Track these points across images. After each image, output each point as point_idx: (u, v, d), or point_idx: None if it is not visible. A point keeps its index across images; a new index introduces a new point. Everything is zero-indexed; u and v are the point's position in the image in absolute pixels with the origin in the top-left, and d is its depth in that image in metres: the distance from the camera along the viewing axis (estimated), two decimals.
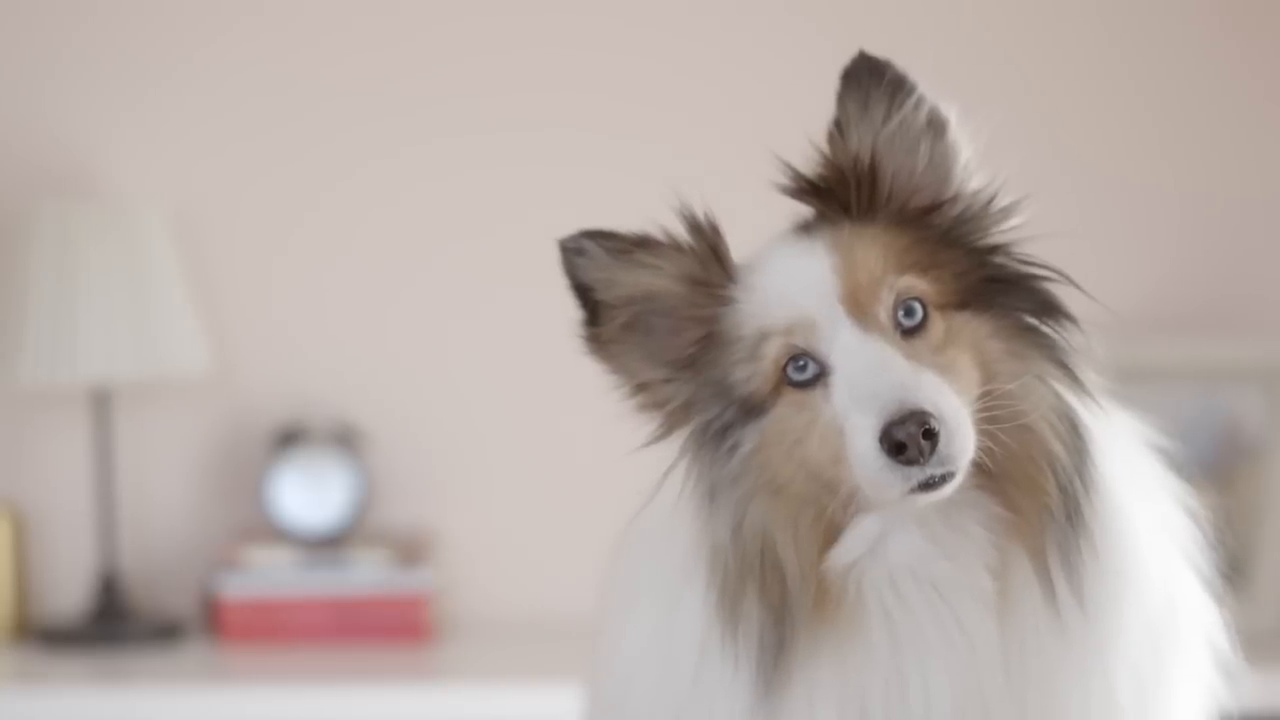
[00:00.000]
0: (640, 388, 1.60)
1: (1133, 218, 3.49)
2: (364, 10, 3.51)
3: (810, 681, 1.54)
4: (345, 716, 3.14)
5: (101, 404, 3.41)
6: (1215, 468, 3.33)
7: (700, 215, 1.58)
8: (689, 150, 3.39)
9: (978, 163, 1.59)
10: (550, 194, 3.43)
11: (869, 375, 1.50)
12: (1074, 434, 1.54)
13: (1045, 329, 1.56)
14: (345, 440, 3.44)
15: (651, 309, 1.58)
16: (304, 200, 3.51)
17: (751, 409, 1.55)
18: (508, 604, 3.50)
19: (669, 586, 1.60)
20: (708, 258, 1.58)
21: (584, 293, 1.59)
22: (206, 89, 3.49)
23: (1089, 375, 1.57)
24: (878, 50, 1.58)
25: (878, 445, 1.47)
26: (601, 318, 1.59)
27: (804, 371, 1.54)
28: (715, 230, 1.58)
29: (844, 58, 1.59)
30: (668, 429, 1.60)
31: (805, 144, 1.58)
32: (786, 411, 1.54)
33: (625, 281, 1.58)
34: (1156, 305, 3.45)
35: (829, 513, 1.54)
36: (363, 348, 3.52)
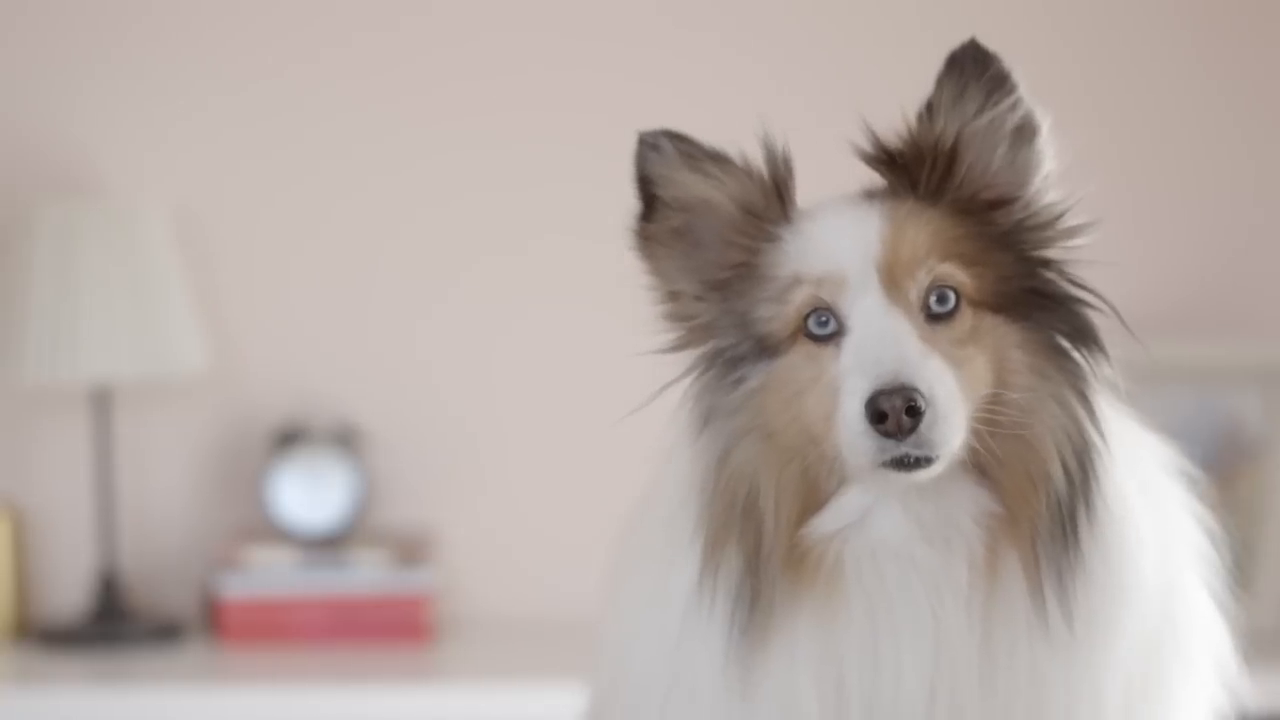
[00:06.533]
0: (672, 295, 1.62)
1: (1132, 218, 3.49)
2: (353, 10, 3.51)
3: (791, 641, 1.55)
4: (345, 716, 3.14)
5: (101, 404, 3.41)
6: (1215, 468, 3.33)
7: (778, 149, 1.59)
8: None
9: (1058, 177, 1.59)
10: (557, 195, 3.43)
11: (877, 342, 1.52)
12: (1080, 463, 1.54)
13: (1075, 354, 1.56)
14: (345, 440, 3.44)
15: (703, 221, 1.60)
16: (304, 200, 3.51)
17: (766, 349, 1.57)
18: (508, 604, 3.50)
19: (668, 538, 1.61)
20: (770, 191, 1.59)
21: (646, 185, 1.60)
22: (206, 88, 3.49)
23: (1109, 405, 1.57)
24: (988, 41, 1.58)
25: (862, 409, 1.49)
26: (656, 215, 1.60)
27: (824, 326, 1.55)
28: (787, 167, 1.59)
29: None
30: (685, 343, 1.61)
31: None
32: (797, 360, 1.56)
33: (686, 184, 1.59)
34: (1156, 305, 3.45)
35: (813, 472, 1.55)
36: (363, 348, 3.52)
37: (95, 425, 3.42)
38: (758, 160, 1.59)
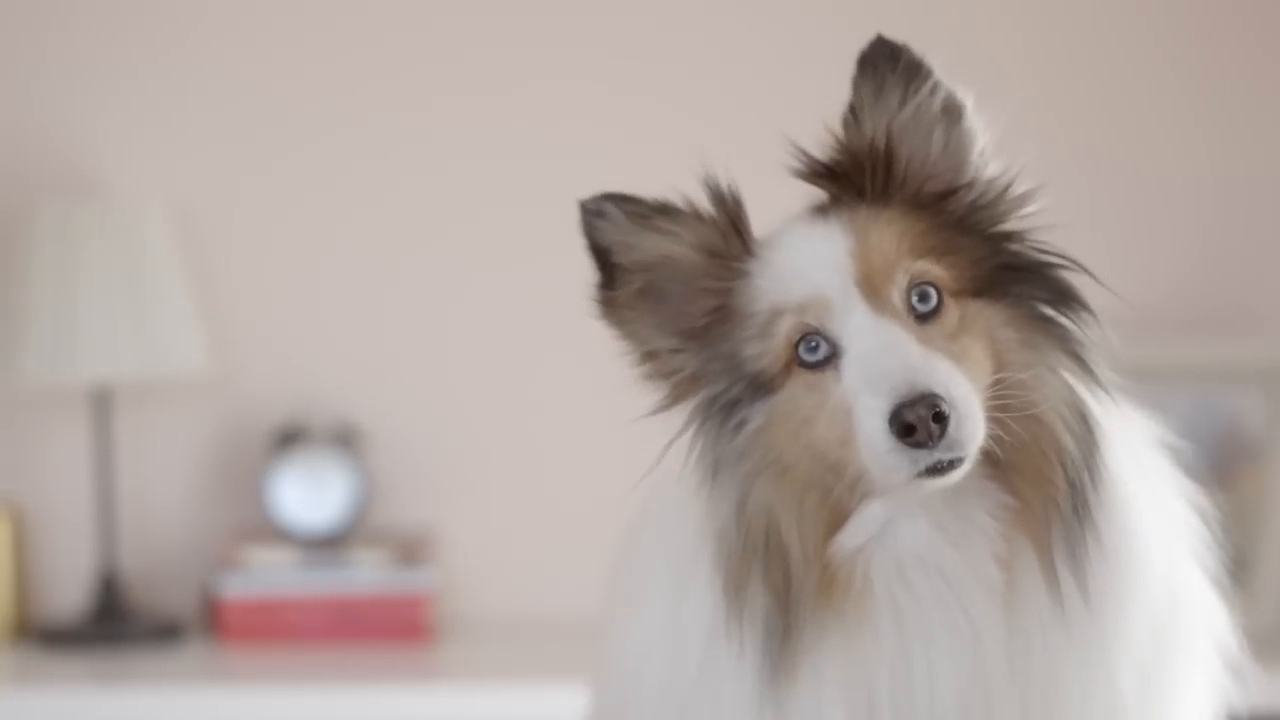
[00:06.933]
0: (649, 355, 1.59)
1: (1132, 218, 3.49)
2: (360, 7, 3.51)
3: (817, 667, 1.53)
4: (345, 716, 3.14)
5: (101, 404, 3.41)
6: (1216, 468, 3.33)
7: (723, 186, 1.57)
8: (687, 142, 3.38)
9: (994, 149, 1.59)
10: (555, 194, 3.42)
11: (881, 356, 1.50)
12: (1084, 427, 1.54)
13: (1060, 319, 1.56)
14: (345, 440, 3.44)
15: (667, 276, 1.57)
16: (304, 200, 3.51)
17: (761, 386, 1.55)
18: (508, 604, 3.50)
19: (677, 573, 1.59)
20: (727, 229, 1.57)
21: (601, 255, 1.58)
22: (206, 89, 3.49)
23: (1102, 368, 1.57)
24: (895, 34, 1.57)
25: (887, 427, 1.47)
26: (617, 281, 1.58)
27: (816, 352, 1.53)
28: (737, 202, 1.57)
29: (857, 41, 1.58)
30: (674, 399, 1.59)
31: (820, 128, 1.57)
32: (796, 391, 1.54)
33: (643, 246, 1.57)
34: (1157, 306, 3.45)
35: (834, 496, 1.53)
36: (362, 347, 3.52)
37: (95, 425, 3.42)
38: (704, 202, 1.57)
